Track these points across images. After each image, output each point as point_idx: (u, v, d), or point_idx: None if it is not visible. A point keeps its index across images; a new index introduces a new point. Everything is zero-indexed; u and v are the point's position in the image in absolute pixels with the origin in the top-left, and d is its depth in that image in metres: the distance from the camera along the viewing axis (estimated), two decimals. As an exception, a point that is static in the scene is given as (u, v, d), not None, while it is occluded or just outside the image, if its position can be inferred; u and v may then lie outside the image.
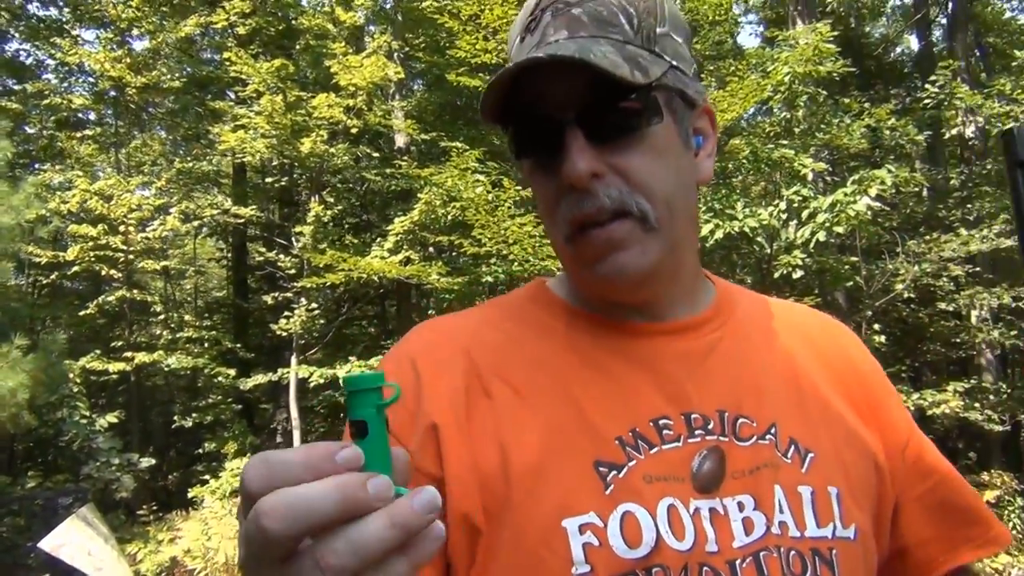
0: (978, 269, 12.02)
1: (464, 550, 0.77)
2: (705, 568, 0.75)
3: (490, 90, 0.79)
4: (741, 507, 0.78)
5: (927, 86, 11.42)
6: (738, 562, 0.76)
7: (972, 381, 11.20)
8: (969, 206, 12.19)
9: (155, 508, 10.10)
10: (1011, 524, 10.31)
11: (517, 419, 0.81)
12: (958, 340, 12.22)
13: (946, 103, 11.57)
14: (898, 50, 19.62)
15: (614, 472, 0.77)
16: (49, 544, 6.34)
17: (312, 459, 0.48)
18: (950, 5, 15.46)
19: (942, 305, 11.65)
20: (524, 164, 0.88)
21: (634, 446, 0.79)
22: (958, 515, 0.91)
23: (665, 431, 0.80)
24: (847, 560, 0.80)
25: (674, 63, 0.85)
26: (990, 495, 10.46)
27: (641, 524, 0.75)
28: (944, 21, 15.91)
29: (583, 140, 0.79)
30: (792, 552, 0.78)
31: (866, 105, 11.44)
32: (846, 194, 8.36)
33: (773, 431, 0.83)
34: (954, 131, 12.40)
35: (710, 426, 0.81)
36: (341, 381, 0.53)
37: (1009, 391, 11.91)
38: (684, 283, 0.91)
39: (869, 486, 0.87)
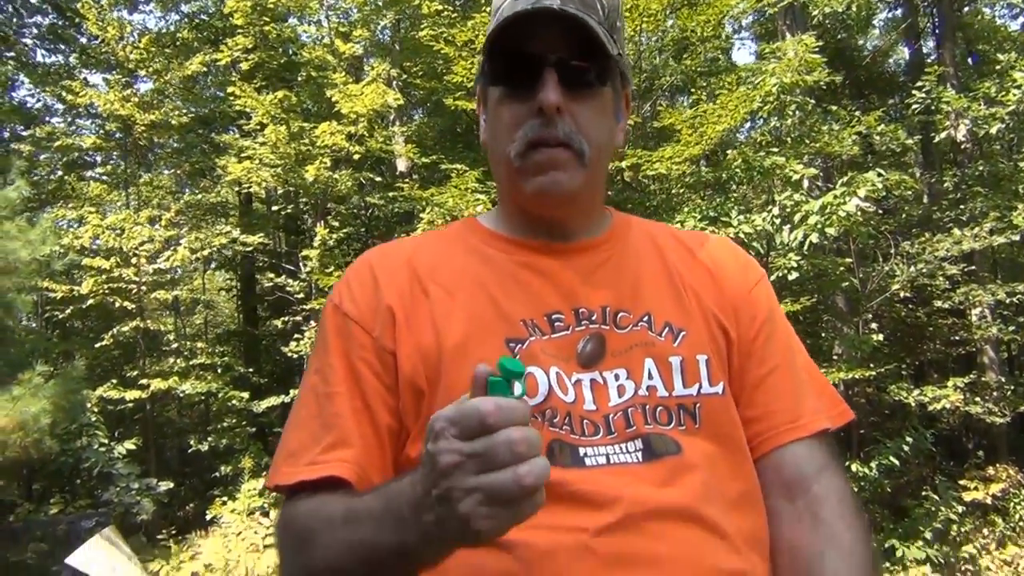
0: (974, 268, 12.19)
1: (412, 409, 1.02)
2: (585, 420, 0.99)
3: (497, 25, 1.00)
4: (617, 377, 1.02)
5: (914, 92, 11.66)
6: (610, 416, 0.99)
7: (972, 376, 11.30)
8: (962, 207, 12.36)
9: (174, 532, 10.26)
10: (1018, 516, 10.40)
11: (447, 311, 1.05)
12: (958, 338, 12.35)
13: (933, 108, 11.80)
14: (892, 60, 19.90)
15: (519, 345, 1.01)
16: (76, 560, 6.58)
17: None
18: (936, 15, 15.78)
19: (939, 303, 11.80)
20: (493, 92, 1.08)
21: (533, 330, 1.03)
22: (787, 400, 1.10)
23: (557, 323, 1.04)
24: (710, 411, 1.03)
25: (621, 52, 1.11)
26: (996, 488, 10.56)
27: (538, 380, 0.99)
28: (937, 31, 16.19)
29: (557, 80, 1.00)
30: (659, 407, 1.01)
31: (856, 113, 11.66)
32: (836, 196, 8.58)
33: (647, 319, 1.07)
34: (943, 135, 12.59)
35: (594, 317, 1.05)
36: (500, 362, 0.76)
37: (1012, 387, 12.04)
38: (591, 215, 1.16)
39: (723, 357, 1.09)
